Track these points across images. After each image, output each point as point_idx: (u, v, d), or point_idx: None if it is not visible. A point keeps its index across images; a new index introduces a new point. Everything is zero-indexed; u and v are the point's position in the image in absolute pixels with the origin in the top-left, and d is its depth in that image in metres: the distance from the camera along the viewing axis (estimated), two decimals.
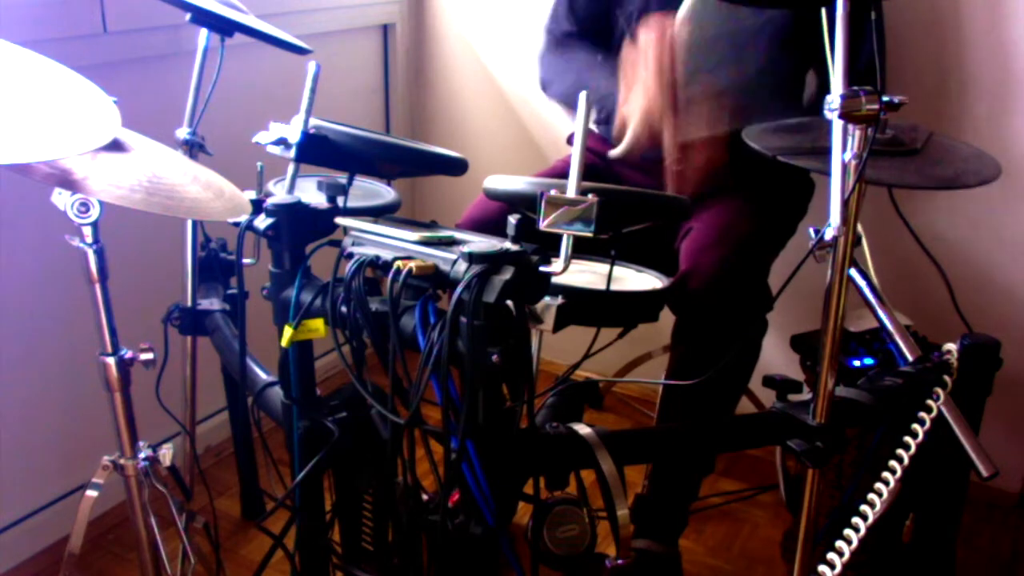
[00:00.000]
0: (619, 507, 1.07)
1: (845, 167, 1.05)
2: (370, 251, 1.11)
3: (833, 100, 1.02)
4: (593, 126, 1.84)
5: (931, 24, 1.84)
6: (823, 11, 1.29)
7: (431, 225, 1.27)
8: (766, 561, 1.82)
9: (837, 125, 1.04)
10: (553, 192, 1.03)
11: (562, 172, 1.27)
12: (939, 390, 1.22)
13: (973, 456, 1.23)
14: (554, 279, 1.06)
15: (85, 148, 0.92)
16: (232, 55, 1.53)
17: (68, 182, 0.95)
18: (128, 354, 1.15)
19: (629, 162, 1.64)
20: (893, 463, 1.17)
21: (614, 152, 1.59)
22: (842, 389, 1.22)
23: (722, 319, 1.45)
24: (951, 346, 1.29)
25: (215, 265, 1.64)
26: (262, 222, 1.24)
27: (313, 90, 1.31)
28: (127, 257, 1.60)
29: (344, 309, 1.13)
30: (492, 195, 1.23)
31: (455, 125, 2.48)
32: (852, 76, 1.04)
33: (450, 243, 1.08)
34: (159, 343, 1.28)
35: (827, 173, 1.06)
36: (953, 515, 1.46)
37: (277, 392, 1.34)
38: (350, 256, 1.13)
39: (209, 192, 1.08)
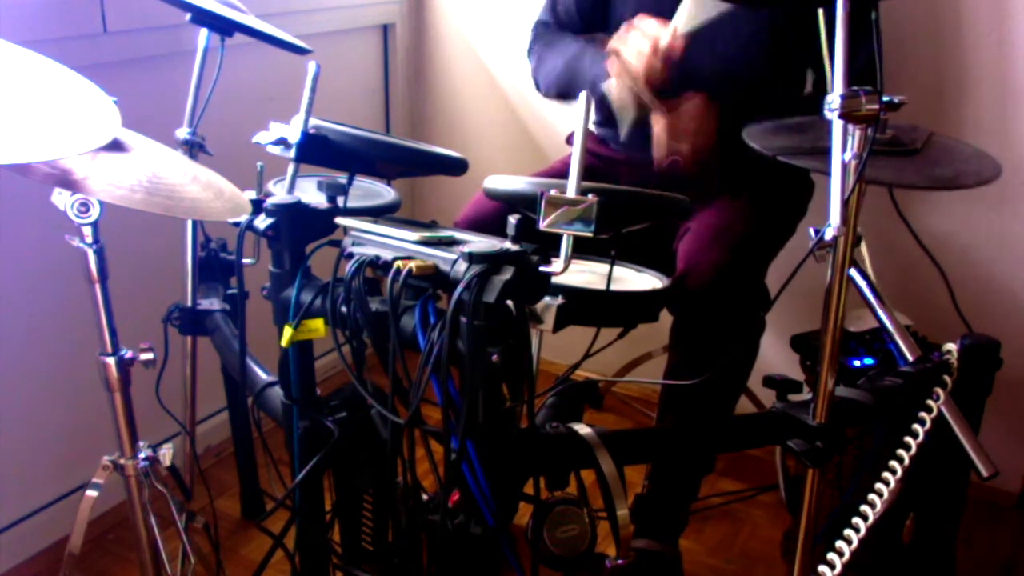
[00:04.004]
0: (619, 507, 1.07)
1: (845, 167, 1.05)
2: (370, 251, 1.11)
3: (833, 100, 1.02)
4: (593, 127, 1.84)
5: (931, 24, 1.84)
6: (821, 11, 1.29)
7: (431, 225, 1.27)
8: (766, 561, 1.82)
9: (837, 125, 1.04)
10: (553, 192, 1.03)
11: (561, 172, 1.27)
12: (939, 390, 1.22)
13: (973, 456, 1.22)
14: (554, 279, 1.06)
15: (85, 148, 0.92)
16: (232, 55, 1.53)
17: (68, 182, 0.95)
18: (128, 354, 1.15)
19: (631, 160, 1.64)
20: (893, 463, 1.17)
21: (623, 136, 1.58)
22: (842, 389, 1.22)
23: (720, 319, 1.45)
24: (951, 346, 1.29)
25: (215, 265, 1.64)
26: (262, 222, 1.24)
27: (313, 90, 1.31)
28: (127, 257, 1.60)
29: (344, 309, 1.13)
30: (492, 195, 1.23)
31: (455, 125, 2.48)
32: (851, 75, 1.04)
33: (450, 243, 1.08)
34: (159, 343, 1.28)
35: (827, 173, 1.06)
36: (953, 515, 1.46)
37: (277, 392, 1.34)
38: (350, 256, 1.13)
39: (209, 192, 1.08)
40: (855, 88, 1.02)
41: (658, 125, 1.55)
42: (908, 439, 1.18)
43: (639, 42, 1.48)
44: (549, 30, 1.78)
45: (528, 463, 1.09)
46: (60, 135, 0.90)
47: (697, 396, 1.47)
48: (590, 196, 1.02)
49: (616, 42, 1.52)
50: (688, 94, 1.55)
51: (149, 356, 1.17)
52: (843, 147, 1.05)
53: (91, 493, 1.25)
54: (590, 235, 1.03)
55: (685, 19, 1.50)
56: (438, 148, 1.51)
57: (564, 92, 1.70)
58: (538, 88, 1.78)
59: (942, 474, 1.40)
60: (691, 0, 1.50)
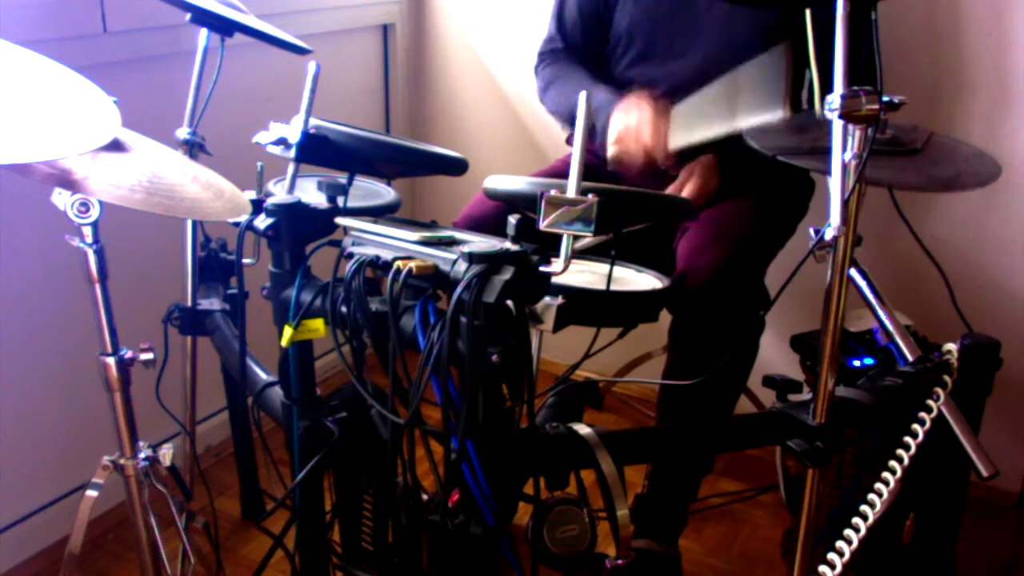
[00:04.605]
0: (619, 507, 1.07)
1: (845, 167, 1.05)
2: (370, 251, 1.11)
3: (833, 100, 1.02)
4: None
5: (931, 24, 1.84)
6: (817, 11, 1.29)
7: (431, 225, 1.27)
8: (766, 561, 1.82)
9: (837, 125, 1.04)
10: (553, 192, 1.03)
11: (561, 172, 1.27)
12: (939, 390, 1.22)
13: (973, 456, 1.23)
14: (554, 279, 1.05)
15: (85, 148, 0.92)
16: (232, 55, 1.53)
17: (68, 182, 0.95)
18: (128, 354, 1.15)
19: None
20: (893, 463, 1.17)
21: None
22: (842, 389, 1.22)
23: (719, 318, 1.45)
24: (951, 346, 1.29)
25: (215, 265, 1.64)
26: (262, 222, 1.24)
27: (313, 90, 1.31)
28: (127, 257, 1.60)
29: (344, 309, 1.13)
30: (492, 195, 1.23)
31: (455, 125, 2.48)
32: (851, 76, 1.04)
33: (450, 243, 1.08)
34: (159, 343, 1.28)
35: (827, 173, 1.06)
36: (953, 515, 1.46)
37: (277, 392, 1.34)
38: (350, 256, 1.13)
39: (209, 192, 1.08)
40: (855, 88, 1.02)
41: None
42: (908, 439, 1.18)
43: (636, 153, 1.53)
44: (557, 52, 1.81)
45: (528, 463, 1.09)
46: (60, 135, 0.90)
47: (696, 396, 1.47)
48: (590, 196, 1.02)
49: (613, 147, 1.56)
50: (688, 166, 1.59)
51: (149, 356, 1.17)
52: (843, 147, 1.05)
53: (91, 493, 1.25)
54: (590, 235, 1.03)
55: (681, 134, 1.51)
56: (438, 148, 1.51)
57: (567, 124, 1.76)
58: (542, 103, 1.82)
59: (942, 474, 1.40)
60: (690, 115, 1.51)
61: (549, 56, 1.82)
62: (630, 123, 1.55)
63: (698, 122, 1.50)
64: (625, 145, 1.55)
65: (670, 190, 1.60)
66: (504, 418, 1.03)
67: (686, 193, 1.58)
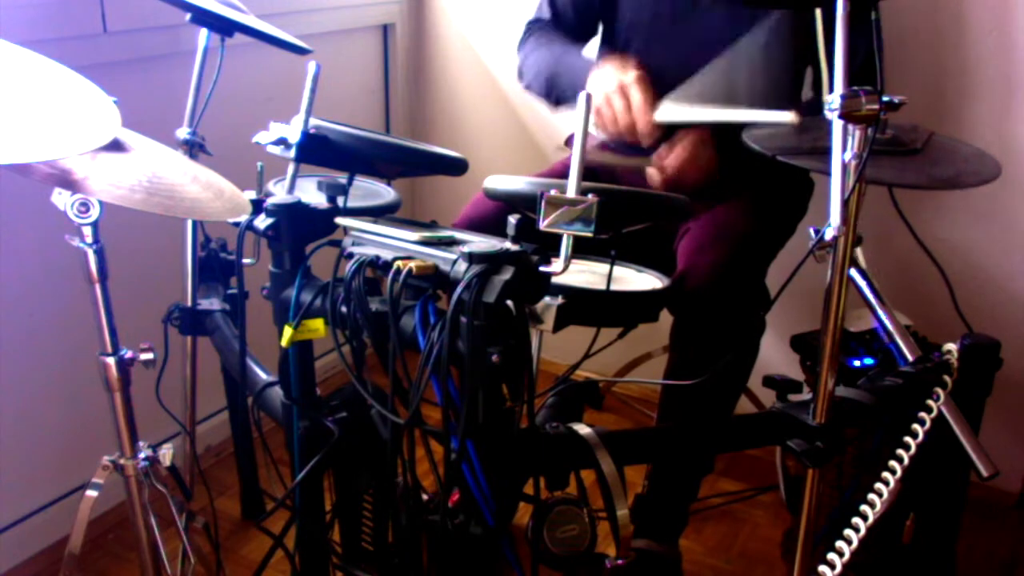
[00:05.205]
0: (619, 507, 1.07)
1: (845, 167, 1.05)
2: (370, 251, 1.11)
3: (833, 100, 1.02)
4: (592, 129, 1.84)
5: (932, 24, 1.84)
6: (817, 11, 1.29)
7: (431, 225, 1.27)
8: (766, 561, 1.82)
9: (837, 125, 1.04)
10: (553, 192, 1.03)
11: (561, 174, 1.27)
12: (939, 390, 1.22)
13: (973, 456, 1.23)
14: (554, 279, 1.06)
15: (85, 148, 0.92)
16: (232, 55, 1.53)
17: (68, 182, 0.95)
18: (128, 354, 1.15)
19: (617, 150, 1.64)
20: (893, 463, 1.17)
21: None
22: (842, 389, 1.22)
23: (719, 319, 1.45)
24: (951, 346, 1.29)
25: (215, 265, 1.64)
26: (262, 222, 1.24)
27: (313, 90, 1.31)
28: (127, 257, 1.60)
29: (344, 309, 1.13)
30: (492, 195, 1.23)
31: (455, 125, 2.48)
32: (850, 74, 1.04)
33: (450, 243, 1.08)
34: (159, 343, 1.28)
35: (827, 173, 1.06)
36: (953, 515, 1.46)
37: (277, 392, 1.34)
38: (350, 256, 1.13)
39: (209, 192, 1.08)
40: (855, 88, 1.02)
41: (651, 170, 1.56)
42: (908, 439, 1.18)
43: (617, 111, 1.49)
44: (543, 26, 1.78)
45: (528, 463, 1.09)
46: (60, 135, 0.90)
47: (697, 396, 1.47)
48: (590, 196, 1.02)
49: (596, 92, 1.51)
50: (679, 134, 1.55)
51: (149, 356, 1.17)
52: (843, 147, 1.05)
53: (91, 493, 1.25)
54: (590, 235, 1.03)
55: (667, 111, 1.48)
56: (438, 148, 1.51)
57: (544, 93, 1.71)
58: (520, 79, 1.78)
59: (942, 474, 1.40)
60: (682, 94, 1.48)
61: (533, 28, 1.78)
62: (608, 87, 1.50)
63: (691, 99, 1.46)
64: (601, 111, 1.51)
65: (654, 158, 1.56)
66: (504, 418, 1.03)
67: (671, 162, 1.54)
